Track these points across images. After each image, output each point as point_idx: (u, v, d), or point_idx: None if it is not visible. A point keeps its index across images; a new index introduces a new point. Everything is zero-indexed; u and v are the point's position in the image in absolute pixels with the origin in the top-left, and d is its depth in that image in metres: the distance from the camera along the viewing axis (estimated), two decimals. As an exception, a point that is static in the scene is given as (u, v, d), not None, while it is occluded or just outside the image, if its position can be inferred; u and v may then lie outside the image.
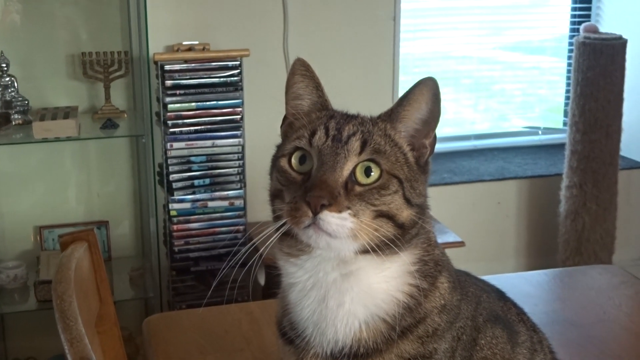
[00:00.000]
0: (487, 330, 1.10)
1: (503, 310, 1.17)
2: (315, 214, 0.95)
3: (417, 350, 1.02)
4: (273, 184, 1.05)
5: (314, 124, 1.03)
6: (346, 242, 0.97)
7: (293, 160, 1.02)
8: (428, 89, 1.01)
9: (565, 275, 2.22)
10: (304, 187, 0.97)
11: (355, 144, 0.99)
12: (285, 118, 1.10)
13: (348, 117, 1.04)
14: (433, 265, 1.05)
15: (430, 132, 1.04)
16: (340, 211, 0.95)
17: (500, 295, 1.20)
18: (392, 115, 1.04)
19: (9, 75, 2.98)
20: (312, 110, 1.07)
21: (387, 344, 1.01)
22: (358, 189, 0.97)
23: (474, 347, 1.08)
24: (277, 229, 1.00)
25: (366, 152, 0.98)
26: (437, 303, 1.04)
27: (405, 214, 0.99)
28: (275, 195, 1.04)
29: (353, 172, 0.98)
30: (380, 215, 0.97)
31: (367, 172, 0.98)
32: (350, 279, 1.01)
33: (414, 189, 1.01)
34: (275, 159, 1.05)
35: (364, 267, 1.00)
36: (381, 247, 0.98)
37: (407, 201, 0.99)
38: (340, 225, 0.95)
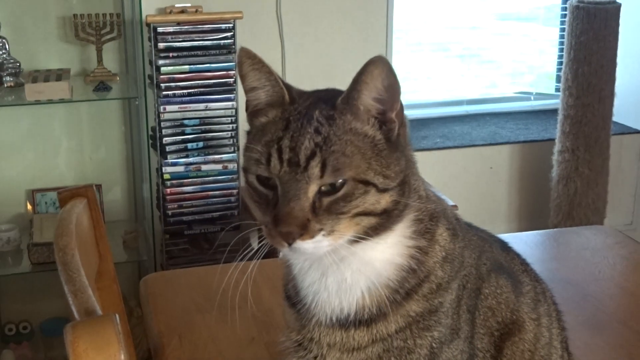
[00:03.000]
0: (492, 280, 1.11)
1: (507, 260, 1.17)
2: (290, 244, 0.95)
3: (422, 307, 1.02)
4: (247, 192, 1.02)
5: (269, 139, 0.97)
6: (341, 242, 0.97)
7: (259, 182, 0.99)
8: (379, 67, 0.95)
9: (560, 235, 2.24)
10: (273, 215, 0.95)
11: (315, 169, 0.93)
12: (247, 106, 1.05)
13: (303, 126, 0.96)
14: (428, 220, 1.04)
15: (394, 104, 0.98)
16: (313, 237, 0.94)
17: (503, 245, 1.20)
18: (349, 101, 0.97)
19: (0, 37, 2.95)
20: (270, 101, 1.01)
21: (391, 307, 1.01)
22: (326, 201, 0.95)
23: (478, 295, 1.09)
24: (260, 241, 1.00)
25: (328, 174, 0.94)
26: (438, 257, 1.04)
27: (382, 202, 0.97)
28: (252, 200, 1.02)
29: (318, 190, 0.95)
30: (357, 215, 0.96)
31: (332, 185, 0.95)
32: (346, 260, 1.00)
33: (388, 175, 0.97)
34: (245, 171, 1.01)
35: (358, 249, 0.99)
36: (369, 234, 0.98)
37: (383, 190, 0.96)
38: (317, 247, 0.95)
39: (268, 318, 1.67)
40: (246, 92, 1.03)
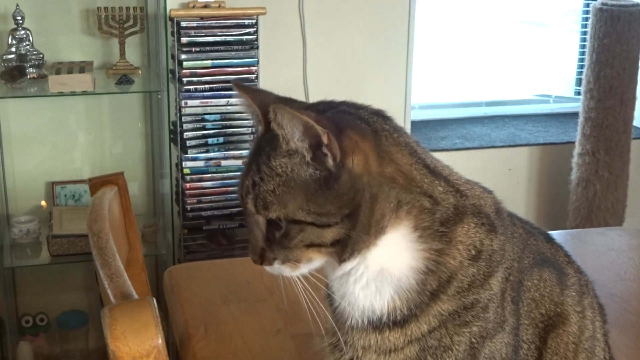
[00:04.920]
0: (534, 273, 1.10)
1: (551, 253, 1.16)
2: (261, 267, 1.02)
3: (455, 305, 1.01)
4: None
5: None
6: (304, 269, 1.01)
7: None
8: (280, 114, 0.94)
9: (584, 235, 2.23)
10: None
11: (249, 205, 1.00)
12: None
13: (253, 162, 1.00)
14: (439, 224, 1.01)
15: (320, 139, 0.95)
16: (270, 264, 1.01)
17: (547, 237, 1.19)
18: (280, 143, 0.97)
19: (24, 29, 2.95)
20: (258, 124, 1.07)
21: (420, 308, 1.01)
22: (276, 234, 0.99)
23: (520, 287, 1.08)
24: None
25: (260, 210, 0.99)
26: (464, 256, 1.02)
27: (328, 236, 0.98)
28: None
29: (268, 223, 0.99)
30: (308, 246, 0.99)
31: (276, 221, 0.99)
32: (354, 273, 1.02)
33: (325, 212, 0.96)
34: None
35: (368, 261, 1.01)
36: (342, 257, 1.00)
37: (324, 226, 0.97)
38: (281, 271, 1.02)
39: (293, 310, 1.67)
40: None
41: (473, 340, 1.02)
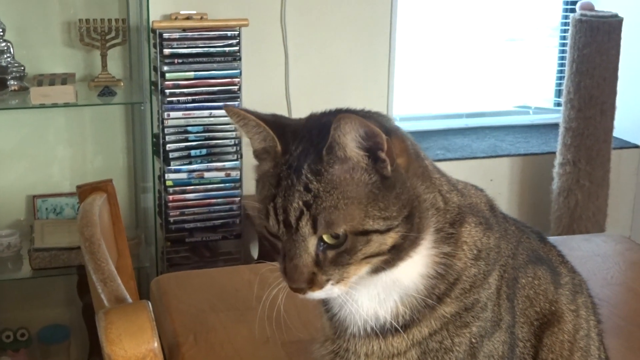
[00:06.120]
0: (529, 270, 1.10)
1: (545, 252, 1.16)
2: (303, 294, 0.96)
3: (457, 307, 1.01)
4: (258, 227, 1.03)
5: (265, 195, 0.97)
6: (351, 285, 0.97)
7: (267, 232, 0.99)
8: (349, 122, 0.92)
9: (570, 241, 2.23)
10: (283, 267, 0.96)
11: (305, 228, 0.93)
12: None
13: (293, 184, 0.94)
14: (449, 227, 1.02)
15: (380, 146, 0.93)
16: (322, 287, 0.95)
17: (541, 237, 1.19)
18: (333, 152, 0.94)
19: (5, 41, 2.94)
20: (266, 147, 1.00)
21: (424, 313, 1.01)
22: (330, 254, 0.94)
23: (515, 285, 1.08)
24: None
25: (320, 229, 0.93)
26: (468, 257, 1.02)
27: (389, 241, 0.95)
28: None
29: (320, 242, 0.94)
30: (364, 259, 0.95)
31: (334, 236, 0.94)
32: (371, 284, 1.00)
33: (388, 216, 0.94)
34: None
35: (377, 276, 0.99)
36: (383, 268, 0.97)
37: (387, 231, 0.95)
38: (329, 294, 0.97)
39: (283, 319, 1.66)
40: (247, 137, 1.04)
41: (473, 340, 1.02)
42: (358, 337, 1.04)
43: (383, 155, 0.94)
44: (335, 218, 0.92)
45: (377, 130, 0.92)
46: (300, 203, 0.93)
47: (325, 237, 0.94)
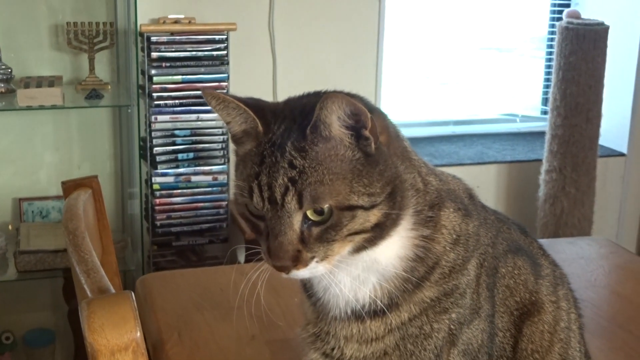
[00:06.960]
0: (508, 260, 1.11)
1: (525, 243, 1.17)
2: (287, 274, 0.97)
3: (437, 292, 1.02)
4: (239, 208, 1.02)
5: (248, 173, 0.98)
6: (335, 263, 0.98)
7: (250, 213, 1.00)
8: (336, 101, 0.93)
9: (555, 244, 2.25)
10: (267, 247, 0.97)
11: (291, 204, 0.94)
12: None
13: (277, 161, 0.95)
14: (428, 210, 1.03)
15: (364, 124, 0.95)
16: (306, 265, 0.96)
17: (522, 229, 1.20)
18: (318, 130, 0.95)
19: (-9, 43, 2.94)
20: (246, 129, 1.01)
21: (403, 297, 1.01)
22: (315, 230, 0.95)
23: (495, 274, 1.09)
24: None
25: (306, 204, 0.93)
26: (447, 241, 1.03)
27: (372, 218, 0.96)
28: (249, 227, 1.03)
29: (304, 219, 0.95)
30: (348, 236, 0.96)
31: (318, 211, 0.94)
32: (352, 262, 1.00)
33: (372, 192, 0.95)
34: (235, 199, 1.01)
35: (359, 255, 1.00)
36: (365, 246, 0.98)
37: (371, 207, 0.95)
38: (313, 272, 0.97)
39: (267, 317, 1.66)
40: (224, 122, 1.03)
41: (452, 327, 1.02)
42: (339, 320, 1.05)
43: (367, 133, 0.96)
44: (321, 193, 0.93)
45: (362, 108, 0.94)
46: (286, 179, 0.94)
47: (310, 214, 0.94)
